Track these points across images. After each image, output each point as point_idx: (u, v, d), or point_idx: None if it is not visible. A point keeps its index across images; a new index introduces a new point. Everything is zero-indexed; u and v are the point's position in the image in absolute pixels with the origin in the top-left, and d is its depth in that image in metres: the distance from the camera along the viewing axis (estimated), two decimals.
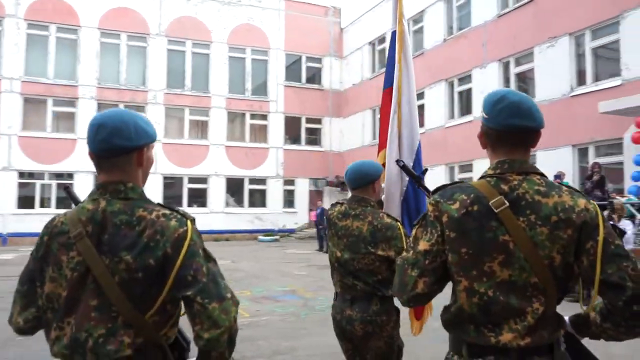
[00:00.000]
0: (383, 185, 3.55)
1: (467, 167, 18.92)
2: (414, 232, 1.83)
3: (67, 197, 2.13)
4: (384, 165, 3.72)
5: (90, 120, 1.69)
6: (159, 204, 1.71)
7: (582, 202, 1.67)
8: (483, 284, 1.66)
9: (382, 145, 3.97)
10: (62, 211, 1.85)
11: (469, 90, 18.98)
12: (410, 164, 3.66)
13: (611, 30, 13.94)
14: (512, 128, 1.71)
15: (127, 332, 1.58)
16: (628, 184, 12.36)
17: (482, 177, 1.76)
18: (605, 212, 8.76)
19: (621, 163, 13.19)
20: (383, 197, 3.57)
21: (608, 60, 14.11)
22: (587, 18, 14.41)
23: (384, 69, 4.67)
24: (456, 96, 19.71)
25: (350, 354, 3.03)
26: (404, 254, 1.84)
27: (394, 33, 4.08)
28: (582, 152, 14.82)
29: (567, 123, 14.79)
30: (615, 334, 1.66)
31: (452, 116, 19.84)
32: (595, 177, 11.00)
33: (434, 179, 19.10)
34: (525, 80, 16.94)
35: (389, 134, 3.82)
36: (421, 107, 21.45)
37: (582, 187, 11.35)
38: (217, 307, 1.58)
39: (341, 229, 3.02)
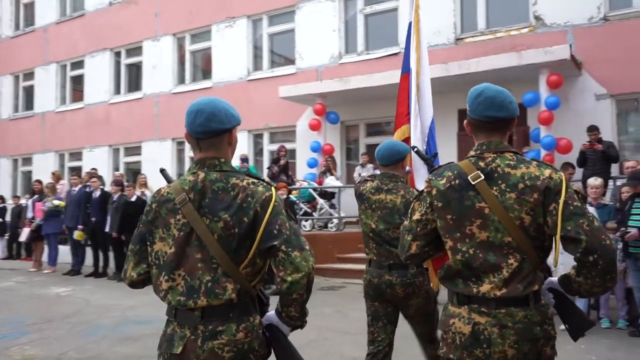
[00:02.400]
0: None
1: (135, 150, 16.99)
2: (413, 205, 2.20)
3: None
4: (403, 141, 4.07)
5: (188, 107, 2.02)
6: (247, 174, 2.04)
7: (547, 172, 1.98)
8: (465, 244, 2.01)
9: (398, 124, 4.53)
10: None
11: (139, 64, 17.03)
12: (423, 142, 4.32)
13: (287, 19, 14.14)
14: (488, 118, 2.05)
15: (227, 280, 1.90)
16: (301, 170, 12.65)
17: (466, 158, 2.09)
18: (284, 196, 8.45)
19: (294, 150, 13.47)
20: (406, 172, 3.78)
21: (284, 47, 14.27)
22: (265, 3, 14.31)
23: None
24: (123, 69, 17.49)
25: (391, 312, 3.42)
26: (405, 222, 2.22)
27: (410, 23, 4.68)
28: (257, 137, 14.72)
29: (244, 108, 14.43)
30: (588, 287, 1.92)
31: (117, 91, 17.52)
32: (283, 162, 10.74)
33: (94, 161, 16.50)
34: (203, 59, 16.01)
35: (412, 115, 4.34)
36: (80, 78, 18.45)
37: (269, 171, 10.97)
38: (298, 255, 1.88)
39: (375, 202, 3.41)
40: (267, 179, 2.05)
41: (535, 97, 9.84)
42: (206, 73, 15.77)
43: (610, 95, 10.24)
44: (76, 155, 18.24)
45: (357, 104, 12.51)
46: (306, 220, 10.39)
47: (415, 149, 3.79)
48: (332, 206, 10.99)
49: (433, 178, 2.10)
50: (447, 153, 11.74)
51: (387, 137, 13.22)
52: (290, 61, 14.06)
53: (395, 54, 12.44)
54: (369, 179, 3.55)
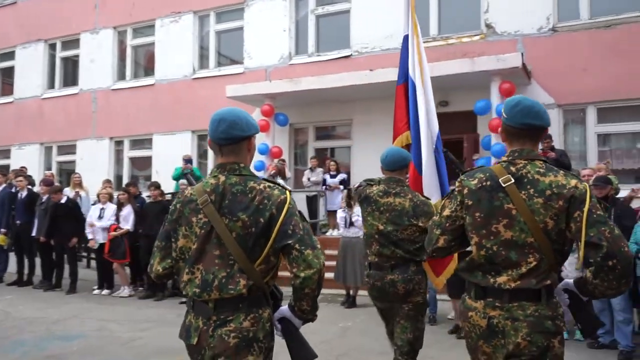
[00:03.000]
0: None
1: (69, 149, 15.98)
2: (443, 202, 2.44)
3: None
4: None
5: (212, 116, 2.21)
6: (264, 179, 2.23)
7: (573, 182, 2.17)
8: (490, 241, 2.20)
9: (397, 132, 4.84)
10: None
11: (75, 57, 16.05)
12: (431, 149, 4.56)
13: (236, 17, 13.64)
14: (525, 126, 2.24)
15: (241, 276, 2.09)
16: None
17: (498, 162, 2.32)
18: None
19: None
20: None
21: (232, 46, 13.75)
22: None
23: None
24: (58, 62, 16.43)
25: (387, 311, 3.66)
26: (434, 218, 2.49)
27: (406, 37, 4.88)
28: (203, 139, 14.10)
29: (188, 107, 13.83)
30: (604, 289, 2.06)
31: (51, 86, 16.44)
32: None
33: (24, 160, 15.38)
34: (145, 54, 15.24)
35: (421, 124, 4.62)
36: (11, 70, 17.23)
37: None
38: (310, 253, 2.07)
39: (383, 205, 3.62)
40: (282, 183, 2.23)
41: (486, 104, 9.80)
42: (148, 70, 15.02)
43: (557, 105, 10.34)
44: (4, 153, 16.98)
45: (307, 106, 12.17)
46: None
47: (445, 151, 4.09)
48: None
49: (465, 178, 2.33)
50: None
51: (337, 141, 12.96)
52: (238, 61, 13.55)
53: (347, 56, 12.20)
54: (371, 183, 3.79)
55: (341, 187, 10.78)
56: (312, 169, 11.04)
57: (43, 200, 8.98)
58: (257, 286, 2.11)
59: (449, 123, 11.32)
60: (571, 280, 2.22)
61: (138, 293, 8.44)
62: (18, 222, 9.17)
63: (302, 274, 2.04)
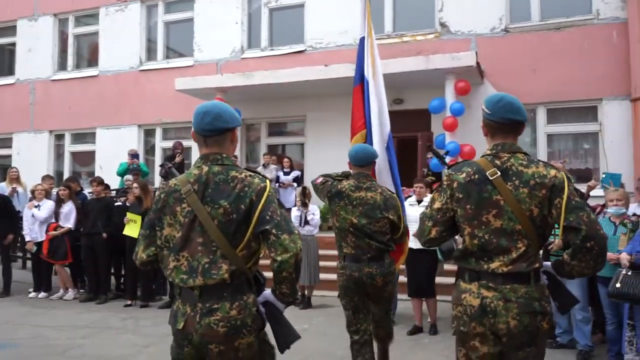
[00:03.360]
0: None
1: (4, 142, 15.05)
2: (433, 195, 2.57)
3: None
4: None
5: (196, 108, 2.29)
6: (245, 168, 2.32)
7: (553, 172, 2.36)
8: (481, 230, 2.35)
9: (355, 130, 5.05)
10: None
11: (11, 46, 15.10)
12: (383, 147, 4.84)
13: (186, 7, 13.15)
14: (507, 120, 2.41)
15: (224, 262, 2.17)
16: None
17: (482, 156, 2.46)
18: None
19: (190, 148, 12.48)
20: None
21: (182, 37, 13.24)
22: None
23: None
24: None
25: (367, 302, 3.85)
26: (425, 210, 2.57)
27: (362, 39, 5.19)
28: (149, 133, 13.55)
29: (134, 100, 13.25)
30: (580, 269, 2.29)
31: None
32: (178, 159, 9.76)
33: None
34: (88, 44, 14.49)
35: (373, 123, 4.88)
36: None
37: (162, 170, 9.94)
38: (287, 237, 2.15)
39: (355, 199, 3.82)
40: (262, 173, 2.32)
41: (441, 103, 9.78)
42: (92, 60, 14.30)
43: None
44: None
45: (259, 101, 11.86)
46: None
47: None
48: None
49: (453, 173, 2.46)
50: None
51: (290, 137, 12.70)
52: (188, 53, 13.07)
53: (301, 51, 11.96)
54: (339, 178, 3.97)
55: (295, 184, 10.55)
56: (264, 166, 10.74)
57: None
58: (240, 271, 2.19)
59: (404, 121, 11.27)
60: (549, 263, 2.44)
61: (79, 296, 7.91)
62: None
63: (279, 258, 2.12)
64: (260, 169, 10.99)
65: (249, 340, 2.17)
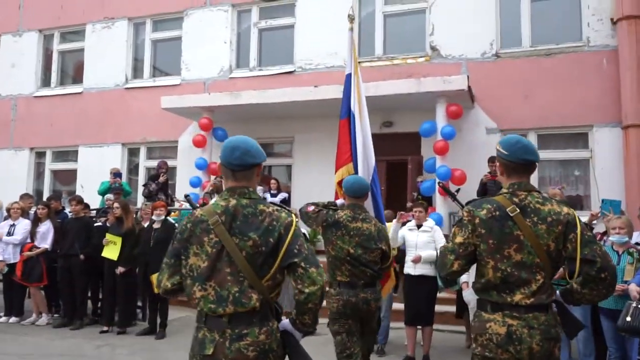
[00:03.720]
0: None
1: None
2: (453, 230, 2.70)
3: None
4: (340, 181, 4.82)
5: (225, 143, 2.44)
6: (272, 203, 2.49)
7: (565, 209, 2.59)
8: (504, 264, 2.51)
9: (340, 162, 5.27)
10: None
11: None
12: (369, 180, 4.93)
13: (174, 26, 12.98)
14: (524, 161, 2.60)
15: (252, 291, 2.25)
16: (182, 190, 11.37)
17: (500, 194, 2.64)
18: None
19: (174, 168, 12.19)
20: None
21: (169, 56, 13.05)
22: (149, 5, 13.04)
23: None
24: None
25: (359, 327, 3.98)
26: (446, 244, 2.83)
27: (349, 75, 5.45)
28: (133, 153, 13.23)
29: (119, 118, 12.97)
30: (590, 297, 2.55)
31: None
32: (162, 179, 9.46)
33: None
34: (74, 61, 14.22)
35: (360, 157, 5.10)
36: None
37: (145, 189, 9.65)
38: (315, 271, 2.25)
39: (352, 230, 3.99)
40: (288, 207, 2.50)
41: (432, 126, 9.65)
42: (76, 77, 14.03)
43: (499, 130, 10.36)
44: None
45: (247, 121, 11.61)
46: None
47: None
48: None
49: (473, 209, 2.58)
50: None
51: (278, 159, 12.44)
52: (175, 72, 12.85)
53: (291, 72, 11.82)
54: (334, 208, 4.17)
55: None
56: None
57: None
58: (265, 300, 2.28)
59: (393, 144, 11.14)
60: (558, 292, 2.64)
61: (53, 321, 7.51)
62: None
63: (307, 290, 2.21)
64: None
65: None
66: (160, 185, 9.40)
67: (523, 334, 2.44)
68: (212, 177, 10.30)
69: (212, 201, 2.49)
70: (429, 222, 6.07)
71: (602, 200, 6.09)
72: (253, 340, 2.20)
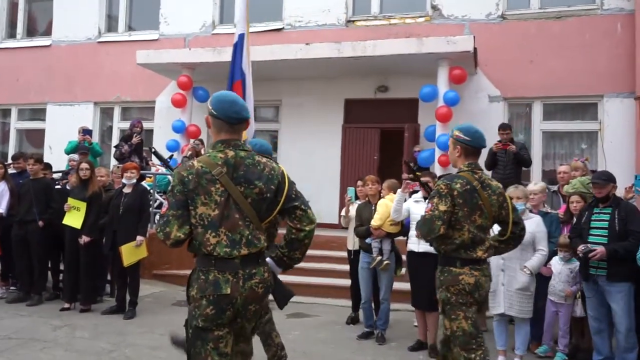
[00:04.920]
0: None
1: None
2: (434, 200, 3.18)
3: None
4: None
5: (219, 96, 2.60)
6: (259, 154, 2.68)
7: (500, 184, 3.43)
8: (473, 227, 3.17)
9: None
10: None
11: None
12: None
13: None
14: (480, 147, 3.33)
15: (259, 233, 2.51)
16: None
17: (462, 171, 3.27)
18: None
19: (151, 131, 11.28)
20: None
21: (146, 9, 11.98)
22: None
23: None
24: None
25: None
26: (431, 212, 3.18)
27: (242, 35, 5.53)
28: (106, 112, 12.26)
29: (91, 75, 11.96)
30: (505, 250, 3.51)
31: None
32: (136, 139, 8.55)
33: None
34: (41, 11, 13.05)
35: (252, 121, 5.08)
36: None
37: (117, 151, 8.74)
38: (310, 211, 2.60)
39: None
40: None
41: (433, 91, 8.87)
42: (45, 29, 12.90)
43: (503, 98, 9.65)
44: None
45: None
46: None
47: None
48: None
49: (450, 183, 3.19)
50: (332, 145, 10.48)
51: (263, 123, 11.52)
52: (153, 26, 11.82)
53: (279, 29, 10.90)
54: None
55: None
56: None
57: None
58: (266, 242, 2.55)
59: (389, 111, 10.35)
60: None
61: (7, 295, 6.68)
62: None
63: (307, 228, 2.56)
64: None
65: (268, 298, 2.65)
66: (134, 147, 8.50)
67: (483, 281, 3.18)
68: (191, 141, 9.43)
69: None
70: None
71: (636, 177, 5.43)
72: (261, 278, 2.46)
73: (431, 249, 5.09)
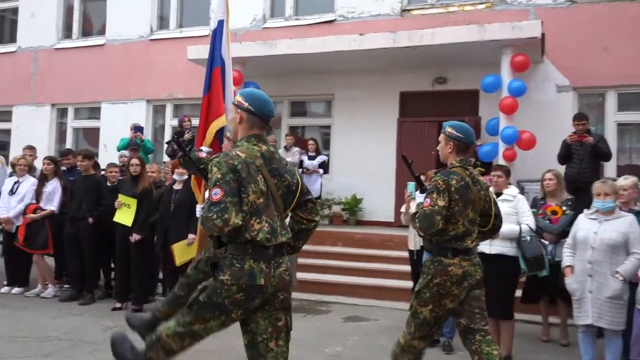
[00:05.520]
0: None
1: (4, 115, 13.86)
2: (433, 195, 3.28)
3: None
4: (220, 131, 5.11)
5: (253, 94, 2.76)
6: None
7: (485, 179, 3.90)
8: (466, 221, 3.33)
9: (215, 113, 5.16)
10: None
11: (13, 10, 13.90)
12: None
13: None
14: (473, 143, 3.52)
15: (285, 224, 2.70)
16: None
17: (454, 167, 3.37)
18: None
19: None
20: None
21: (197, 4, 11.87)
22: None
23: None
24: None
25: None
26: (431, 207, 3.25)
27: (221, 22, 5.34)
28: (159, 110, 12.25)
29: (143, 73, 11.96)
30: (483, 239, 3.62)
31: None
32: (187, 136, 8.41)
33: None
34: (96, 10, 13.17)
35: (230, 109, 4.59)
36: None
37: (168, 147, 8.65)
38: (316, 205, 2.93)
39: None
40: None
41: (496, 81, 8.29)
42: (99, 28, 13.02)
43: (572, 88, 8.97)
44: None
45: (282, 77, 10.46)
46: None
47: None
48: None
49: (447, 179, 3.28)
50: (387, 140, 10.09)
51: (315, 118, 11.27)
52: (203, 22, 11.69)
53: (331, 21, 10.55)
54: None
55: (321, 170, 9.16)
56: (287, 148, 9.36)
57: None
58: None
59: (447, 103, 9.81)
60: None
61: (61, 293, 6.60)
62: None
63: (317, 219, 2.84)
64: (281, 151, 9.65)
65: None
66: (186, 144, 8.35)
67: (472, 270, 3.30)
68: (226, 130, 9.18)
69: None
70: (511, 190, 4.88)
71: None
72: (286, 267, 2.58)
73: (504, 251, 4.67)
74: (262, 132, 2.69)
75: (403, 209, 5.58)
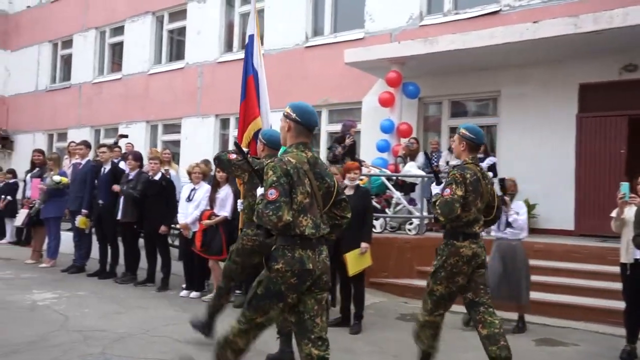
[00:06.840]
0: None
1: (174, 127, 15.04)
2: (453, 185, 3.76)
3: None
4: (256, 133, 5.60)
5: (300, 107, 3.07)
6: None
7: (491, 175, 5.73)
8: (476, 210, 3.84)
9: (250, 117, 6.00)
10: None
11: (182, 29, 14.98)
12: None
13: None
14: (483, 143, 4.69)
15: (323, 220, 3.07)
16: (367, 155, 10.05)
17: (467, 163, 3.92)
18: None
19: (358, 132, 10.96)
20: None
21: (351, 7, 11.77)
22: None
23: None
24: (165, 35, 15.52)
25: None
26: (451, 196, 3.74)
27: (251, 36, 6.31)
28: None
29: (298, 79, 12.11)
30: (485, 226, 4.06)
31: (158, 60, 15.56)
32: (349, 141, 8.24)
33: (131, 139, 14.45)
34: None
35: (263, 110, 6.13)
36: (119, 46, 16.63)
37: (330, 153, 8.54)
38: (349, 203, 3.28)
39: None
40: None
41: None
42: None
43: None
44: (113, 132, 16.32)
45: (442, 75, 9.95)
46: (376, 219, 7.77)
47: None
48: (411, 201, 8.39)
49: (463, 172, 3.81)
50: (564, 139, 9.04)
51: (479, 118, 10.43)
52: (358, 25, 11.53)
53: (495, 12, 9.77)
54: (257, 157, 4.65)
55: (490, 173, 8.42)
56: (451, 150, 8.77)
57: (131, 177, 7.55)
58: None
59: (638, 94, 8.57)
60: None
61: (235, 299, 6.68)
62: (100, 202, 7.78)
63: (349, 215, 3.21)
64: (445, 154, 9.09)
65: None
66: (347, 149, 8.17)
67: (479, 252, 3.82)
68: (404, 140, 8.80)
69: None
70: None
71: None
72: (326, 254, 3.00)
73: None
74: (308, 140, 3.05)
75: (613, 214, 4.76)
